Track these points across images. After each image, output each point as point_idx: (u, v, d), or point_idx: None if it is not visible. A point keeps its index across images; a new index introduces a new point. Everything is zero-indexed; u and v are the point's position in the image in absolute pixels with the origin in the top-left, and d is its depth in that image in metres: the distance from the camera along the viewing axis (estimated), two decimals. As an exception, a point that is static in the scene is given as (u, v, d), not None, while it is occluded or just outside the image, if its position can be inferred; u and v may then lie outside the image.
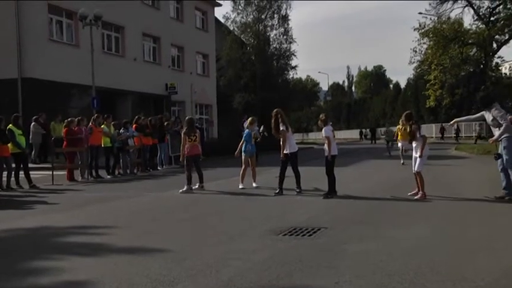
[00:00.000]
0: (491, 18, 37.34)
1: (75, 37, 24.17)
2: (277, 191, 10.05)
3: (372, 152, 27.51)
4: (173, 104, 32.04)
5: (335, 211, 8.14)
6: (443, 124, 45.75)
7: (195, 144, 11.25)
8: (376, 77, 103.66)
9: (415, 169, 9.22)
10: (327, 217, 7.50)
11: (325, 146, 9.73)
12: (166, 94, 30.86)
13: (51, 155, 15.13)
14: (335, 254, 5.24)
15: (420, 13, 38.31)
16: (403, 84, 78.30)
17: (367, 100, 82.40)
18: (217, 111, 37.60)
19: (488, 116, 8.80)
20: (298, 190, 10.15)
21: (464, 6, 37.85)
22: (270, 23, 41.89)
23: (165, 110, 27.48)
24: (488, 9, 37.58)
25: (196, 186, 11.11)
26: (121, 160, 15.76)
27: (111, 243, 6.01)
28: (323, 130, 9.82)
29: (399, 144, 17.41)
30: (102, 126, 15.24)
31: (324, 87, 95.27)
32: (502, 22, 36.31)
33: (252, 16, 41.52)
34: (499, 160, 8.78)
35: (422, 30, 37.72)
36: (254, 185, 11.29)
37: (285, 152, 10.21)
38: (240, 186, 11.18)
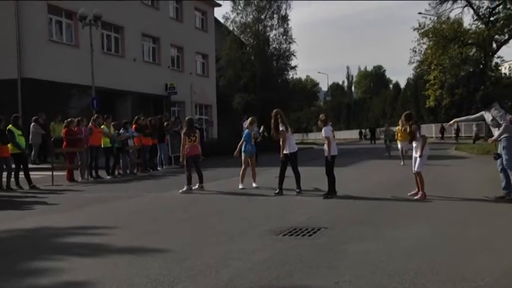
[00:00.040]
0: (491, 18, 37.38)
1: (75, 37, 24.18)
2: (277, 191, 10.05)
3: (371, 152, 27.51)
4: (173, 104, 32.05)
5: (335, 211, 8.14)
6: (443, 124, 45.75)
7: (194, 144, 11.26)
8: (375, 77, 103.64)
9: (415, 169, 9.22)
10: (327, 217, 7.50)
11: (325, 146, 9.73)
12: (166, 94, 30.87)
13: (50, 155, 15.13)
14: (335, 254, 5.24)
15: (420, 13, 38.36)
16: (402, 85, 78.36)
17: (367, 100, 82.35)
18: (217, 111, 37.62)
19: (488, 116, 8.80)
20: (298, 190, 10.15)
21: (464, 6, 37.92)
22: (269, 23, 41.90)
23: (164, 111, 27.48)
24: (488, 9, 37.63)
25: (196, 187, 11.11)
26: (121, 160, 15.76)
27: (111, 243, 6.01)
28: (323, 130, 9.82)
29: (399, 146, 17.42)
30: (102, 126, 15.23)
31: (324, 87, 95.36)
32: (502, 22, 36.34)
33: (251, 16, 41.52)
34: (499, 160, 8.78)
35: (422, 30, 37.75)
36: (254, 185, 11.28)
37: (284, 152, 10.22)
38: (240, 187, 11.18)
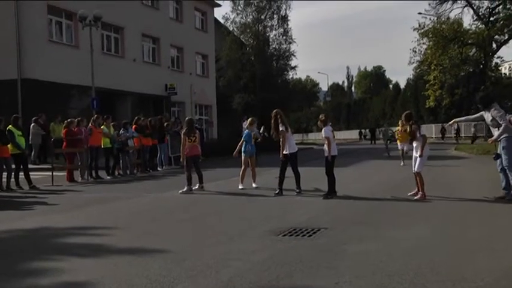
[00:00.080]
0: (491, 19, 37.36)
1: (75, 38, 24.18)
2: (277, 192, 10.05)
3: (371, 152, 27.52)
4: (173, 104, 32.04)
5: (335, 211, 8.14)
6: (443, 124, 45.78)
7: (194, 144, 11.26)
8: (375, 77, 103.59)
9: (415, 169, 9.22)
10: (327, 217, 7.50)
11: (325, 147, 9.73)
12: (165, 95, 30.87)
13: (50, 155, 15.12)
14: (335, 255, 5.24)
15: (420, 13, 38.34)
16: (402, 85, 78.36)
17: (367, 100, 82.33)
18: (217, 111, 37.61)
19: (488, 116, 8.80)
20: (298, 190, 10.15)
21: (464, 7, 37.89)
22: (269, 24, 41.89)
23: (164, 111, 27.47)
24: (488, 10, 37.61)
25: (196, 187, 11.11)
26: (121, 161, 15.77)
27: (111, 244, 6.01)
28: (323, 130, 9.83)
29: (399, 146, 17.41)
30: (102, 127, 15.24)
31: (324, 87, 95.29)
32: (502, 22, 36.32)
33: (251, 16, 41.51)
34: (498, 160, 8.78)
35: (422, 31, 37.73)
36: (254, 185, 11.28)
37: (284, 152, 10.22)
38: (240, 187, 11.18)
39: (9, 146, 12.31)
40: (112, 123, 15.90)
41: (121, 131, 15.79)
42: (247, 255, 5.24)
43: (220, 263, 4.93)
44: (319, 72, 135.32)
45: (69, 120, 14.73)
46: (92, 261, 5.29)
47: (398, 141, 17.57)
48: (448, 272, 4.54)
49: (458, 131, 44.44)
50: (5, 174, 12.24)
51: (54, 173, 13.41)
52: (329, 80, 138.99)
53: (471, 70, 39.67)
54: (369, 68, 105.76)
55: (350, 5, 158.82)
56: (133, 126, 16.55)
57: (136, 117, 17.43)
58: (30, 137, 17.76)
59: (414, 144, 9.36)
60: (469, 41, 37.82)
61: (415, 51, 39.54)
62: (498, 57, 39.57)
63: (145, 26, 29.04)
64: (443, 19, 37.71)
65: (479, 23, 37.99)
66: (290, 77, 45.85)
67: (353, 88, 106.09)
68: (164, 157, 18.12)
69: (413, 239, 5.90)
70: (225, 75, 41.54)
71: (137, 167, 16.67)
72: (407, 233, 6.29)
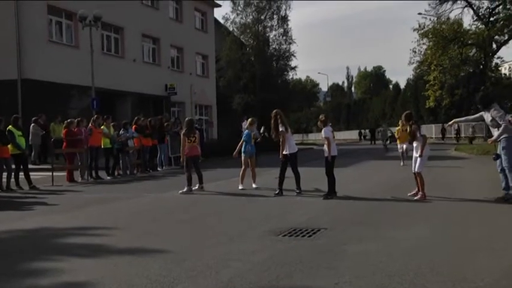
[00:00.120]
0: (491, 19, 37.39)
1: (75, 38, 24.18)
2: (277, 192, 10.05)
3: (371, 152, 27.52)
4: (173, 104, 32.05)
5: (335, 212, 8.14)
6: (444, 124, 45.81)
7: (194, 145, 11.25)
8: (375, 78, 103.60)
9: (416, 169, 9.22)
10: (327, 218, 7.50)
11: (325, 147, 9.73)
12: (165, 95, 30.87)
13: (50, 156, 15.13)
14: (335, 255, 5.24)
15: (420, 13, 38.38)
16: (402, 85, 78.32)
17: (367, 101, 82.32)
18: (217, 112, 37.62)
19: (487, 117, 8.80)
20: (298, 191, 10.15)
21: (464, 7, 37.94)
22: (269, 24, 41.94)
23: (164, 111, 27.47)
24: (488, 10, 37.65)
25: (196, 187, 11.11)
26: (121, 161, 15.77)
27: (111, 244, 6.01)
28: (323, 131, 9.83)
29: (399, 146, 17.41)
30: (102, 127, 15.24)
31: (324, 87, 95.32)
32: (502, 22, 36.35)
33: (251, 17, 41.55)
34: (498, 160, 8.78)
35: (422, 31, 37.76)
36: (254, 185, 11.28)
37: (284, 152, 10.22)
38: (240, 187, 11.17)
39: (9, 146, 12.31)
40: (112, 124, 15.91)
41: (121, 131, 15.79)
42: (247, 256, 5.24)
43: (220, 264, 4.93)
44: (319, 73, 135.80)
45: (69, 120, 14.74)
46: (92, 262, 5.29)
47: (398, 141, 17.57)
48: (448, 272, 4.54)
49: (458, 131, 44.48)
50: (5, 175, 12.25)
51: (54, 173, 13.41)
52: (329, 80, 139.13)
53: (471, 70, 39.71)
54: (369, 69, 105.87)
55: (350, 5, 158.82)
56: (133, 127, 16.55)
57: (136, 118, 17.43)
58: (30, 137, 17.76)
59: (414, 145, 9.36)
60: (469, 42, 37.85)
61: (415, 52, 39.62)
62: (498, 58, 39.66)
63: (145, 26, 29.05)
64: (443, 19, 37.77)
65: (479, 24, 38.03)
66: (290, 77, 45.98)
67: (353, 88, 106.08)
68: (164, 157, 18.13)
69: (413, 239, 5.90)
70: (225, 76, 41.56)
71: (137, 168, 16.67)
72: (407, 233, 6.29)
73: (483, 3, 37.63)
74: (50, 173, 13.47)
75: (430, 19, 37.86)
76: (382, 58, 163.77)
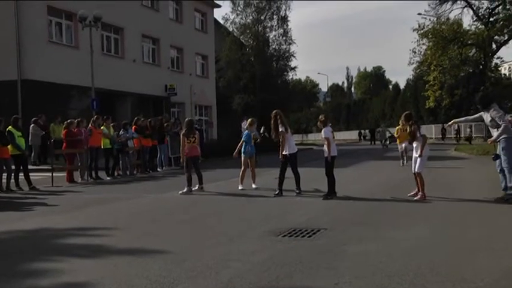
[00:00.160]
0: (491, 19, 37.44)
1: (75, 38, 24.19)
2: (276, 192, 10.04)
3: (371, 152, 27.52)
4: (173, 105, 32.05)
5: (335, 212, 8.15)
6: (444, 125, 45.86)
7: (194, 145, 11.26)
8: (375, 78, 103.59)
9: (416, 170, 9.21)
10: (327, 218, 7.51)
11: (325, 147, 9.73)
12: (165, 95, 30.88)
13: (50, 156, 15.13)
14: (335, 255, 5.24)
15: (419, 14, 38.43)
16: (402, 85, 78.32)
17: (367, 101, 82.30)
18: (217, 112, 37.63)
19: (487, 117, 8.81)
20: (297, 191, 10.15)
21: (464, 7, 37.99)
22: (269, 24, 41.94)
23: (164, 112, 27.48)
24: (488, 10, 37.70)
25: (196, 188, 11.11)
26: (120, 161, 15.77)
27: (111, 244, 6.01)
28: (322, 131, 9.83)
29: (399, 147, 17.40)
30: (102, 127, 15.24)
31: (324, 88, 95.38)
32: (501, 23, 36.40)
33: (251, 17, 41.56)
34: (498, 161, 8.79)
35: (422, 31, 37.80)
36: (254, 186, 11.28)
37: (284, 153, 10.22)
38: (240, 188, 11.17)
39: (9, 147, 12.31)
40: (112, 124, 15.91)
41: (121, 132, 15.80)
42: (247, 256, 5.24)
43: (220, 264, 4.94)
44: (319, 73, 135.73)
45: (69, 121, 14.73)
46: (92, 262, 5.30)
47: (398, 140, 17.57)
48: (447, 272, 4.54)
49: (458, 131, 44.53)
50: (4, 175, 12.24)
51: (54, 174, 13.41)
52: (329, 80, 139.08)
53: (471, 71, 39.76)
54: (369, 69, 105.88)
55: (350, 5, 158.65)
56: (133, 127, 16.55)
57: (136, 118, 17.42)
58: (30, 138, 17.76)
59: (414, 145, 9.36)
60: (469, 42, 37.89)
61: (415, 52, 39.67)
62: (498, 58, 39.72)
63: (145, 27, 29.05)
64: (443, 20, 37.81)
65: (479, 24, 38.09)
66: (290, 77, 46.01)
67: (353, 89, 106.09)
68: (164, 158, 18.13)
69: (413, 240, 5.90)
70: (225, 76, 41.57)
71: (137, 168, 16.68)
72: (407, 233, 6.29)
73: (483, 3, 37.71)
74: (50, 174, 13.48)
75: (429, 19, 37.93)
76: (382, 58, 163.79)
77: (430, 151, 10.43)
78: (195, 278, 4.53)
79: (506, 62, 53.58)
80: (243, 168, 11.41)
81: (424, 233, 6.33)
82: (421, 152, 9.11)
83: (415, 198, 9.08)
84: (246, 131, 11.80)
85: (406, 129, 10.00)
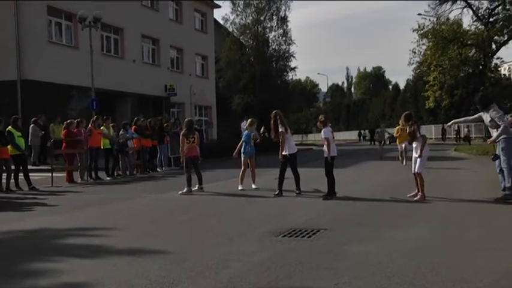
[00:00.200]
0: (490, 19, 37.46)
1: (75, 39, 24.19)
2: (276, 193, 10.04)
3: (371, 153, 27.49)
4: (172, 105, 32.06)
5: (334, 212, 8.15)
6: (444, 125, 45.91)
7: (193, 145, 11.26)
8: (375, 78, 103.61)
9: (416, 170, 9.21)
10: (327, 218, 7.51)
11: (325, 147, 9.74)
12: (165, 96, 30.88)
13: (50, 156, 15.13)
14: (334, 256, 5.24)
15: (419, 14, 38.45)
16: (402, 85, 78.36)
17: (366, 101, 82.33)
18: (217, 112, 37.63)
19: (486, 117, 8.81)
20: (297, 191, 10.15)
21: (463, 7, 38.01)
22: (269, 25, 41.96)
23: (164, 112, 27.49)
24: (487, 10, 37.72)
25: (196, 188, 11.11)
26: (120, 162, 15.77)
27: (111, 244, 6.01)
28: (322, 131, 9.83)
29: (398, 147, 17.40)
30: (102, 127, 15.24)
31: (323, 88, 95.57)
32: (501, 23, 36.42)
33: (251, 18, 41.56)
34: (497, 161, 8.79)
35: (422, 31, 37.81)
36: (253, 186, 11.28)
37: (284, 153, 10.22)
38: (240, 188, 11.17)
39: (8, 147, 12.31)
40: (111, 124, 15.91)
41: (121, 132, 15.80)
42: (247, 256, 5.24)
43: (219, 264, 4.94)
44: (318, 73, 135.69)
45: (68, 121, 14.72)
46: (92, 262, 5.30)
47: (397, 140, 17.58)
48: (447, 272, 4.55)
49: (458, 131, 44.58)
50: (4, 176, 12.24)
51: (53, 174, 13.41)
52: (328, 80, 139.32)
53: (471, 71, 39.78)
54: (369, 69, 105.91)
55: (350, 5, 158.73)
56: (133, 127, 16.55)
57: (135, 118, 17.42)
58: (29, 138, 17.76)
59: (414, 145, 9.36)
60: (469, 42, 37.90)
61: (415, 52, 39.68)
62: (497, 58, 39.74)
63: (145, 27, 29.05)
64: (442, 20, 37.83)
65: (478, 24, 38.11)
66: (290, 78, 46.02)
67: (352, 89, 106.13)
68: (164, 158, 18.12)
69: (412, 240, 5.90)
70: (225, 76, 41.57)
71: (137, 168, 16.68)
72: (407, 233, 6.30)
73: (482, 3, 37.74)
74: (50, 174, 13.48)
75: (429, 20, 37.94)
76: (382, 59, 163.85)
77: (430, 151, 10.43)
78: (195, 278, 4.53)
79: (506, 63, 53.64)
80: (242, 168, 11.41)
81: (424, 233, 6.33)
82: (421, 152, 9.11)
83: (415, 198, 9.08)
84: (246, 131, 11.80)
85: (406, 130, 9.99)
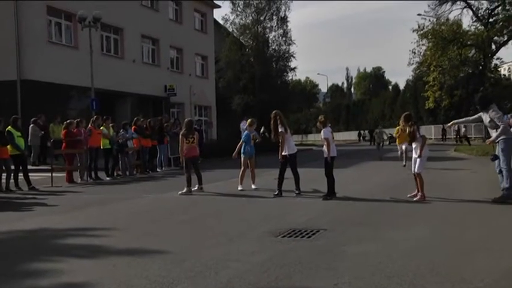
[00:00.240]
0: (490, 20, 37.51)
1: (74, 39, 24.19)
2: (276, 193, 10.04)
3: (371, 153, 27.48)
4: (172, 105, 32.06)
5: (334, 213, 8.15)
6: (444, 125, 45.94)
7: (193, 145, 11.25)
8: (375, 79, 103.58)
9: (416, 170, 9.22)
10: (326, 219, 7.51)
11: (324, 148, 9.74)
12: (165, 96, 30.88)
13: (50, 156, 15.13)
14: (334, 256, 5.24)
15: (419, 14, 38.50)
16: (402, 86, 78.35)
17: (366, 102, 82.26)
18: (216, 112, 37.64)
19: (486, 118, 8.81)
20: (297, 192, 10.14)
21: (463, 8, 38.06)
22: (269, 25, 41.93)
23: (164, 112, 27.49)
24: (487, 11, 37.78)
25: (195, 188, 11.11)
26: (120, 162, 15.76)
27: (110, 245, 6.01)
28: (322, 132, 9.83)
29: (398, 147, 17.40)
30: (101, 128, 15.24)
31: (323, 88, 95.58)
32: (501, 23, 36.46)
33: (251, 18, 41.54)
34: (497, 161, 8.79)
35: (421, 32, 37.86)
36: (253, 186, 11.28)
37: (283, 153, 10.22)
38: (239, 188, 11.17)
39: (8, 147, 12.31)
40: (111, 124, 15.91)
41: (120, 132, 15.79)
42: (247, 256, 5.24)
43: (219, 264, 4.94)
44: (318, 74, 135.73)
45: (68, 121, 14.72)
46: (91, 262, 5.29)
47: (397, 141, 17.57)
48: (447, 272, 4.55)
49: (458, 132, 44.58)
50: (4, 176, 12.24)
51: (53, 174, 13.42)
52: (328, 81, 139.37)
53: (470, 71, 39.83)
54: (368, 69, 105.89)
55: (350, 5, 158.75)
56: (133, 127, 16.55)
57: (135, 118, 17.42)
58: (29, 138, 17.76)
59: (414, 145, 9.37)
60: (469, 42, 37.95)
61: (415, 53, 39.74)
62: (497, 59, 39.81)
63: (144, 27, 29.05)
64: (442, 20, 37.88)
65: (478, 24, 38.15)
66: (289, 78, 46.00)
67: (352, 89, 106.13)
68: (164, 158, 18.12)
69: (412, 240, 5.90)
70: (225, 76, 41.57)
71: (137, 168, 16.67)
72: (407, 234, 6.30)
73: (482, 4, 37.80)
74: (49, 174, 13.48)
75: (429, 20, 37.99)
76: (382, 59, 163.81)
77: (430, 152, 10.42)
78: (195, 278, 4.53)
79: (506, 63, 53.69)
80: (242, 168, 11.41)
81: (424, 233, 6.33)
82: (421, 152, 9.11)
83: (415, 198, 9.09)
84: (246, 132, 11.80)
85: (406, 130, 9.99)
